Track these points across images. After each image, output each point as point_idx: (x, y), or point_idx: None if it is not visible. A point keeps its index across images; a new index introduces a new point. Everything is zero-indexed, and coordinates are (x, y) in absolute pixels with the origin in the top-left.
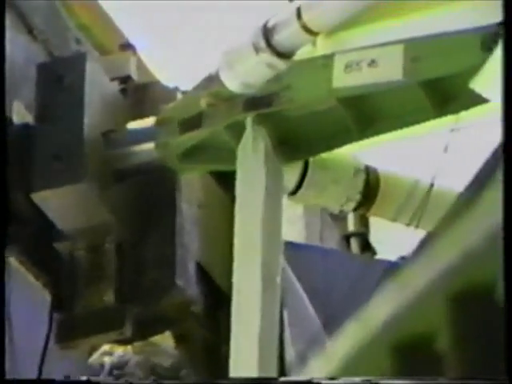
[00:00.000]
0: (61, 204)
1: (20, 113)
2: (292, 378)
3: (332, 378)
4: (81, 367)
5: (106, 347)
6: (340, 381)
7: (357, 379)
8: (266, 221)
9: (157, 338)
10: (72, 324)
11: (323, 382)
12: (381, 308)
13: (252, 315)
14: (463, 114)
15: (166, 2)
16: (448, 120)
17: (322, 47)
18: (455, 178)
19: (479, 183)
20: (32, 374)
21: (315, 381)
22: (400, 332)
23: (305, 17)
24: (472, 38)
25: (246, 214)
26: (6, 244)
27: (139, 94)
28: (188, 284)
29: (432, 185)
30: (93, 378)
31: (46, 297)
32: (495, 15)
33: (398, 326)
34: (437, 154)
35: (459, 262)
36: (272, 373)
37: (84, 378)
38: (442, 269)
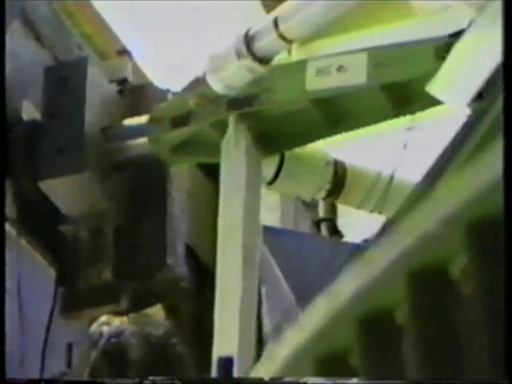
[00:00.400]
0: (64, 192)
1: (29, 111)
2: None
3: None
4: (82, 336)
5: (104, 318)
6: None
7: (354, 380)
8: (247, 207)
9: (149, 310)
10: (74, 297)
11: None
12: (347, 284)
13: (233, 290)
14: (419, 114)
15: (160, 13)
16: (406, 120)
17: (296, 54)
18: (413, 171)
19: (433, 175)
20: (39, 342)
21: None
22: (364, 306)
23: (281, 26)
24: (426, 48)
25: (229, 202)
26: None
27: (134, 95)
28: (177, 263)
29: (392, 177)
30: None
31: (52, 273)
32: (447, 27)
33: (362, 300)
34: (397, 150)
35: (416, 244)
36: (251, 342)
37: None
38: (401, 250)
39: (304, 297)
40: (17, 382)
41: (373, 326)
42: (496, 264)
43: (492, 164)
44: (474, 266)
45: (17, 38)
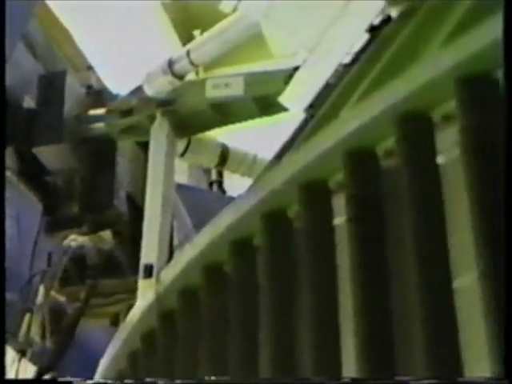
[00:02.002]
0: (49, 155)
1: (28, 102)
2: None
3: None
4: (58, 247)
5: (72, 237)
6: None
7: None
8: (166, 170)
9: (102, 233)
10: (54, 223)
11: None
12: (224, 220)
13: (155, 222)
14: (276, 116)
15: (116, 43)
16: (268, 119)
17: (201, 74)
18: (270, 152)
19: (280, 154)
20: (30, 251)
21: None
22: (234, 234)
23: (191, 56)
24: (279, 75)
25: (154, 166)
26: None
27: (96, 96)
28: (120, 204)
29: (256, 155)
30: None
31: (40, 207)
32: (290, 63)
33: (233, 230)
34: (261, 138)
35: (267, 196)
36: (165, 254)
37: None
38: (257, 200)
39: (199, 227)
40: (17, 382)
41: (239, 247)
42: (317, 212)
43: (316, 146)
44: (301, 211)
45: (20, 54)
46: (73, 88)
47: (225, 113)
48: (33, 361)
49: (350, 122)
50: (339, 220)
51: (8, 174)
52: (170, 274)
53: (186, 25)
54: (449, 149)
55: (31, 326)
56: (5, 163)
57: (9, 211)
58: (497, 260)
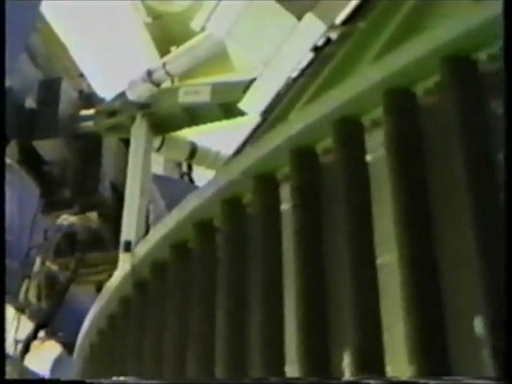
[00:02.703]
0: (46, 147)
1: (29, 103)
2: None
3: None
4: (52, 225)
5: (64, 216)
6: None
7: None
8: (144, 162)
9: (89, 214)
10: (49, 205)
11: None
12: (189, 203)
13: (134, 206)
14: (237, 119)
15: (103, 56)
16: (231, 121)
17: (176, 83)
18: (230, 149)
19: (238, 151)
20: (29, 228)
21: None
22: (197, 216)
23: (167, 67)
24: (239, 86)
25: (135, 159)
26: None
27: (87, 99)
28: (105, 190)
29: (219, 151)
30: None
31: (37, 191)
32: (249, 76)
33: (196, 213)
34: (223, 137)
35: (227, 185)
36: (141, 232)
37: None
38: (219, 187)
39: (170, 209)
40: (17, 382)
41: (201, 227)
42: (267, 199)
43: (267, 144)
44: (254, 198)
45: (24, 63)
46: (67, 92)
47: (194, 116)
48: (30, 318)
49: (295, 124)
50: (285, 206)
51: (11, 162)
52: (143, 249)
53: (164, 41)
54: (376, 149)
55: (29, 290)
56: (5, 152)
57: (11, 194)
58: (413, 244)
